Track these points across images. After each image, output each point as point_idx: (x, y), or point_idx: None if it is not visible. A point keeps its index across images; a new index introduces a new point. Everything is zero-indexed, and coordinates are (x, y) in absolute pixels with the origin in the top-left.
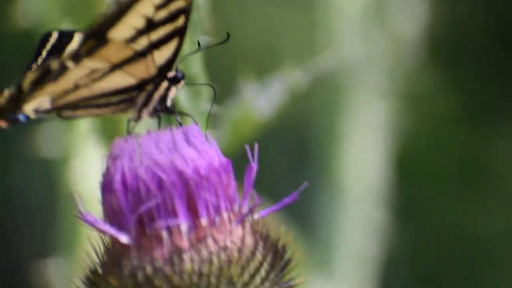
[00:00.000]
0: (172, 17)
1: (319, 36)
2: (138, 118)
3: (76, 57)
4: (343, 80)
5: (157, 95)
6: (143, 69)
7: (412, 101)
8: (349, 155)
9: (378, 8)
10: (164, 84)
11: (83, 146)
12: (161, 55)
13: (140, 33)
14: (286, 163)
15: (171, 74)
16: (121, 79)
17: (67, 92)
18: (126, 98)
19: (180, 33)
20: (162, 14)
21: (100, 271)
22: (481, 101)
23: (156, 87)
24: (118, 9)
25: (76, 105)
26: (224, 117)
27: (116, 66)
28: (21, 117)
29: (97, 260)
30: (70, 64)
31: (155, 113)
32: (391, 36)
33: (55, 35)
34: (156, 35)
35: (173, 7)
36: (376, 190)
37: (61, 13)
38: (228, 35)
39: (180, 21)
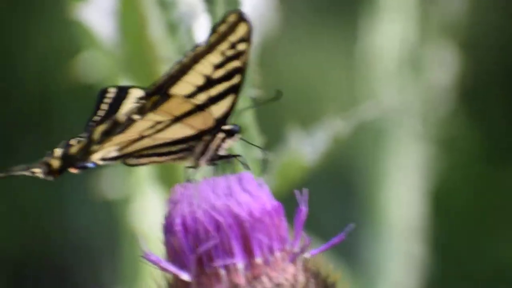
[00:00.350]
0: (229, 75)
1: (360, 87)
2: (196, 166)
3: (142, 111)
4: (383, 126)
5: (213, 145)
6: (201, 121)
7: (444, 144)
8: (390, 195)
9: (414, 59)
10: (220, 135)
11: (143, 190)
12: (219, 109)
13: (200, 89)
14: (332, 203)
15: (227, 126)
16: (181, 130)
17: (132, 142)
18: (186, 147)
19: (236, 89)
20: (220, 72)
21: None
22: (506, 142)
23: (213, 138)
24: (180, 69)
25: (140, 154)
26: (273, 163)
27: (177, 119)
28: (90, 165)
29: None
30: (136, 117)
31: (211, 161)
32: (425, 85)
33: (112, 91)
34: (215, 91)
35: (230, 66)
36: (414, 226)
37: (120, 70)
38: (280, 93)
39: (236, 79)
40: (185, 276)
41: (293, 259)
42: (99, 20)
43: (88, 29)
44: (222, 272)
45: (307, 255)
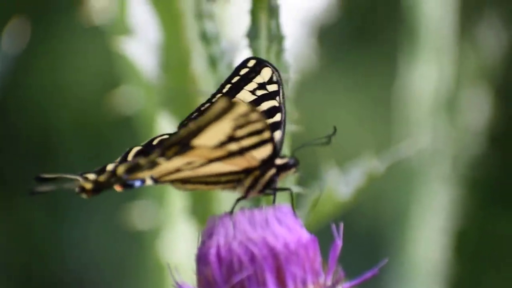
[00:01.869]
0: (269, 113)
1: (395, 127)
2: (245, 197)
3: (164, 157)
4: (413, 166)
5: (263, 181)
6: (243, 162)
7: (473, 186)
8: (416, 235)
9: (448, 101)
10: (272, 171)
11: (174, 222)
12: (259, 153)
13: (230, 139)
14: (359, 241)
15: (281, 160)
16: (223, 167)
17: (170, 173)
18: (234, 179)
19: (278, 125)
20: (242, 132)
21: None
22: None
23: (263, 174)
24: (197, 127)
25: (186, 180)
26: (307, 198)
27: (212, 161)
28: (137, 183)
29: None
30: (159, 160)
31: (262, 192)
32: (458, 127)
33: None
34: (247, 142)
35: (266, 106)
36: (437, 268)
37: (161, 103)
38: (330, 138)
39: (277, 117)
40: None
41: None
42: (142, 53)
43: (130, 62)
44: None
45: None
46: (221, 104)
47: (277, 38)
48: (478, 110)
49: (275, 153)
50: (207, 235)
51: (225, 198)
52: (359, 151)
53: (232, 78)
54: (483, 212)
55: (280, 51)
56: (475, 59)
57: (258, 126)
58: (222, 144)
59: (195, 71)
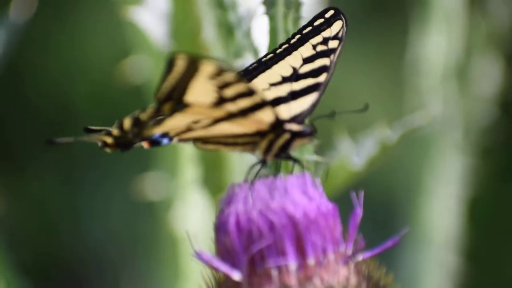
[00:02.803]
0: (315, 72)
1: (407, 97)
2: (264, 160)
3: (157, 114)
4: (426, 136)
5: (278, 144)
6: (252, 124)
7: (484, 155)
8: (431, 205)
9: (459, 70)
10: (287, 135)
11: (186, 193)
12: (297, 106)
13: (222, 99)
14: (374, 211)
15: (296, 127)
16: (233, 128)
17: (184, 132)
18: (250, 141)
19: (319, 88)
20: (230, 92)
21: None
22: None
23: (277, 138)
24: (172, 84)
25: (206, 140)
26: (321, 167)
27: (219, 121)
28: (164, 140)
29: None
30: (159, 118)
31: (277, 157)
32: (469, 96)
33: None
34: (243, 103)
35: (318, 63)
36: (451, 236)
37: None
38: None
39: (322, 77)
40: (236, 276)
41: (346, 261)
42: (153, 22)
43: (141, 31)
44: (274, 272)
45: (360, 257)
46: (179, 61)
47: (294, 4)
48: (489, 78)
49: (278, 117)
50: (226, 203)
51: (237, 168)
52: (371, 122)
53: (305, 28)
54: (495, 180)
55: (297, 18)
56: (486, 27)
57: (241, 88)
58: (218, 103)
59: (206, 40)
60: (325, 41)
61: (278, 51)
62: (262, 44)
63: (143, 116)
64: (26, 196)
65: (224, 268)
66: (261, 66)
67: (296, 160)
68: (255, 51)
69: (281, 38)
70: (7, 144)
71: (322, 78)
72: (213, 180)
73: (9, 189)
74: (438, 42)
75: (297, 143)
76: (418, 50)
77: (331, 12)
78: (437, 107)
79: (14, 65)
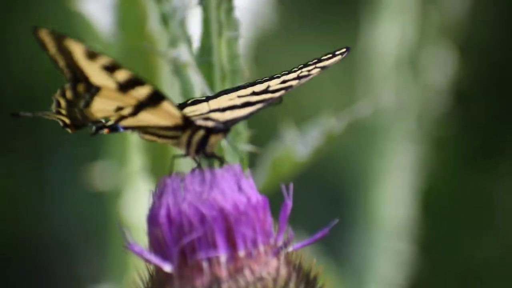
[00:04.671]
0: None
1: (357, 86)
2: (185, 155)
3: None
4: (378, 125)
5: (194, 140)
6: (166, 116)
7: (437, 144)
8: (381, 193)
9: (411, 60)
10: (202, 132)
11: (134, 182)
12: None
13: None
14: (323, 200)
15: (210, 124)
16: (153, 119)
17: (118, 119)
18: (174, 135)
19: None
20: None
21: None
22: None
23: (193, 134)
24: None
25: (144, 130)
26: (265, 158)
27: (139, 110)
28: (120, 128)
29: (142, 287)
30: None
31: (197, 154)
32: (422, 86)
33: None
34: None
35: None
36: (403, 224)
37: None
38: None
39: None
40: (167, 268)
41: (276, 252)
42: (99, 12)
43: (87, 21)
44: (205, 264)
45: (290, 249)
46: (45, 38)
47: None
48: (442, 68)
49: (181, 112)
50: (157, 196)
51: (184, 158)
52: (319, 111)
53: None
54: (449, 170)
55: (230, 9)
56: (438, 16)
57: (127, 74)
58: (121, 89)
59: (152, 30)
60: (313, 68)
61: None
62: (196, 34)
63: (68, 94)
64: None
65: (155, 260)
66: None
67: (219, 158)
68: (189, 41)
69: (214, 28)
70: None
71: (277, 94)
72: (160, 168)
73: None
74: (391, 30)
75: (213, 139)
76: (370, 39)
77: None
78: (390, 96)
79: None
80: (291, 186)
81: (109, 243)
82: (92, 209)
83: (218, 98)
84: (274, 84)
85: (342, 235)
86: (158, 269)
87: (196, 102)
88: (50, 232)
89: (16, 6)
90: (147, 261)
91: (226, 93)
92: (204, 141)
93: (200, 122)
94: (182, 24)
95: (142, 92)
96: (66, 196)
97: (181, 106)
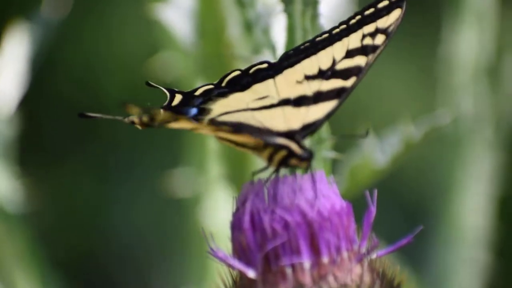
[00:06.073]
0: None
1: (436, 94)
2: (267, 167)
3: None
4: (457, 134)
5: (276, 159)
6: (246, 139)
7: None
8: (461, 202)
9: (490, 68)
10: (283, 152)
11: (213, 189)
12: (315, 111)
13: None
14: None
15: (294, 147)
16: (236, 138)
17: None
18: (253, 148)
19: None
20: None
21: None
22: None
23: (275, 152)
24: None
25: (220, 138)
26: (344, 165)
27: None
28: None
29: None
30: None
31: (279, 167)
32: (500, 94)
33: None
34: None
35: (353, 62)
36: (481, 233)
37: (198, 69)
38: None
39: (349, 81)
40: (251, 273)
41: (359, 259)
42: (178, 20)
43: (166, 29)
44: (288, 270)
45: (374, 256)
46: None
47: (312, 2)
48: None
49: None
50: (241, 202)
51: (262, 165)
52: (398, 118)
53: (367, 9)
54: None
55: (314, 16)
56: None
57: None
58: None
59: (232, 37)
60: (375, 32)
61: (334, 31)
62: (280, 41)
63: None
64: (59, 192)
65: (239, 265)
66: (311, 48)
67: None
68: (273, 48)
69: (299, 36)
70: (41, 140)
71: (349, 82)
72: (239, 176)
73: (43, 184)
74: (470, 39)
75: (293, 162)
76: (450, 46)
77: None
78: (468, 104)
79: (49, 62)
80: (375, 192)
81: (187, 251)
82: (164, 218)
83: (284, 73)
84: (340, 54)
85: (420, 244)
86: (242, 275)
87: (259, 71)
88: (120, 242)
89: (96, 14)
90: (230, 266)
91: (288, 59)
92: (285, 161)
93: (282, 141)
94: (266, 31)
95: (225, 128)
96: (135, 206)
97: (247, 77)
